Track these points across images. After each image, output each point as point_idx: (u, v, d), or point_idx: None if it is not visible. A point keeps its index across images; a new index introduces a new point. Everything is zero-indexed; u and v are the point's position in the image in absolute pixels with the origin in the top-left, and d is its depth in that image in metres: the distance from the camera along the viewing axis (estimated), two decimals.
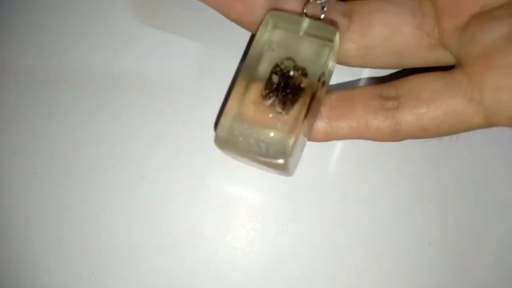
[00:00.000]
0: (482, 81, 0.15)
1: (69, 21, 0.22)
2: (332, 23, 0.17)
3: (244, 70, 0.16)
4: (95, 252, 0.20)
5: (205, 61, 0.21)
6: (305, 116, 0.15)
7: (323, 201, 0.20)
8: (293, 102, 0.16)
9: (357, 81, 0.21)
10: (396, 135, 0.17)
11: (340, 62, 0.18)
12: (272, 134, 0.15)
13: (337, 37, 0.16)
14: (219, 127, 0.16)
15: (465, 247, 0.20)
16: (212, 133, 0.21)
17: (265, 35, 0.16)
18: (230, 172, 0.21)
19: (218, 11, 0.17)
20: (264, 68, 0.16)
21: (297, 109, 0.15)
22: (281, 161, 0.15)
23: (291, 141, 0.15)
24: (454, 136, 0.19)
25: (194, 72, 0.21)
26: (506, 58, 0.14)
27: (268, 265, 0.20)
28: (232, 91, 0.16)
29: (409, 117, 0.16)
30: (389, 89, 0.17)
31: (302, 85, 0.16)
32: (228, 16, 0.17)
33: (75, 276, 0.20)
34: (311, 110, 0.16)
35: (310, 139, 0.18)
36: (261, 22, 0.16)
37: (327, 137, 0.17)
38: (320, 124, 0.17)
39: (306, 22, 0.16)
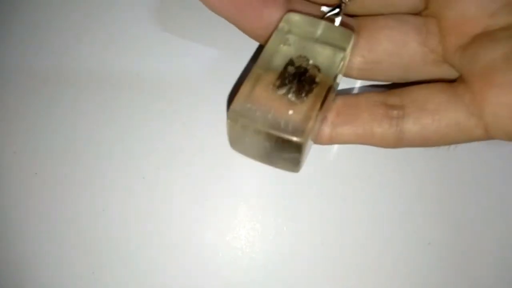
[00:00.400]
0: (483, 98, 0.15)
1: (69, 21, 0.22)
2: (348, 27, 0.17)
3: (259, 61, 0.16)
4: (95, 252, 0.20)
5: (205, 61, 0.21)
6: (320, 107, 0.15)
7: (323, 201, 0.20)
8: (307, 92, 0.15)
9: (352, 89, 0.21)
10: (399, 143, 0.17)
11: (346, 74, 0.18)
12: (290, 112, 0.15)
13: (352, 42, 0.16)
14: (236, 100, 0.15)
15: (465, 247, 0.20)
16: (211, 133, 0.21)
17: (280, 35, 0.16)
18: (230, 172, 0.21)
19: (230, 22, 0.17)
20: (278, 61, 0.16)
21: (312, 100, 0.15)
22: (298, 139, 0.15)
23: (310, 123, 0.15)
24: (452, 146, 0.19)
25: (194, 72, 0.21)
26: (505, 77, 0.15)
27: (268, 265, 0.20)
28: (246, 80, 0.16)
29: (413, 127, 0.16)
30: (394, 98, 0.17)
31: (317, 79, 0.16)
32: (241, 28, 0.17)
33: (75, 276, 0.20)
34: (325, 104, 0.16)
35: (314, 142, 0.18)
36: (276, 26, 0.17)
37: (331, 141, 0.18)
38: (326, 129, 0.17)
39: (322, 25, 0.17)
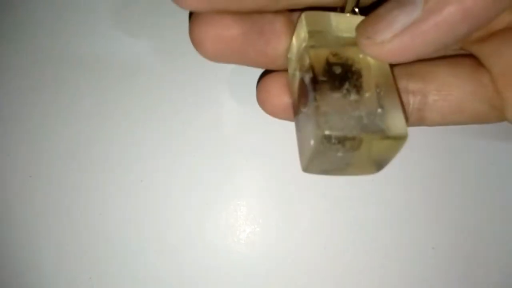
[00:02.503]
0: (506, 96, 0.15)
1: (65, 19, 0.22)
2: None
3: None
4: (92, 257, 0.20)
5: (205, 64, 0.21)
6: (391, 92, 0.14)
7: (325, 204, 0.20)
8: (362, 83, 0.14)
9: None
10: (415, 125, 0.17)
11: None
12: (379, 111, 0.14)
13: None
14: (321, 122, 0.14)
15: (469, 251, 0.20)
16: (211, 135, 0.20)
17: (301, 41, 0.15)
18: (230, 175, 0.20)
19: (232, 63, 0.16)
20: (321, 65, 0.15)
21: (368, 86, 0.14)
22: (404, 132, 0.14)
23: (401, 111, 0.14)
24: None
25: (194, 75, 0.21)
26: None
27: (269, 269, 0.20)
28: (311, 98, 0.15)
29: (435, 116, 0.16)
30: (416, 82, 0.16)
31: (359, 66, 0.15)
32: (245, 65, 0.16)
33: (72, 282, 0.20)
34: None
35: None
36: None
37: None
38: None
39: (337, 17, 0.15)
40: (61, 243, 0.20)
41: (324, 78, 0.14)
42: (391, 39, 0.13)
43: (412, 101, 0.16)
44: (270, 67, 0.17)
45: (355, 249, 0.20)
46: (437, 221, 0.20)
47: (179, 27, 0.21)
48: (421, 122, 0.16)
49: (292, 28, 0.16)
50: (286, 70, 0.16)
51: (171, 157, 0.20)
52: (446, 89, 0.16)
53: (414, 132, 0.20)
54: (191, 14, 0.15)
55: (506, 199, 0.20)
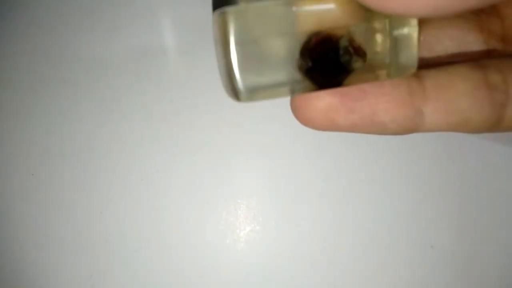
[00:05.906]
0: None
1: (65, 19, 0.22)
2: None
3: None
4: (93, 255, 0.20)
5: (204, 64, 0.21)
6: None
7: (325, 203, 0.20)
8: None
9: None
10: (492, 130, 0.15)
11: None
12: None
13: None
14: None
15: (468, 250, 0.20)
16: (211, 135, 0.21)
17: None
18: (230, 174, 0.20)
19: None
20: None
21: None
22: None
23: None
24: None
25: (194, 75, 0.21)
26: None
27: (269, 268, 0.20)
28: None
29: None
30: (495, 73, 0.14)
31: None
32: None
33: (72, 280, 0.20)
34: None
35: (398, 133, 0.15)
36: None
37: (416, 131, 0.15)
38: (412, 117, 0.14)
39: None
40: (62, 241, 0.20)
41: None
42: None
43: (494, 95, 0.14)
44: None
45: (354, 248, 0.20)
46: (436, 220, 0.20)
47: (180, 27, 0.21)
48: (498, 122, 0.14)
49: None
50: None
51: (171, 156, 0.20)
52: None
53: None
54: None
55: (505, 197, 0.20)
